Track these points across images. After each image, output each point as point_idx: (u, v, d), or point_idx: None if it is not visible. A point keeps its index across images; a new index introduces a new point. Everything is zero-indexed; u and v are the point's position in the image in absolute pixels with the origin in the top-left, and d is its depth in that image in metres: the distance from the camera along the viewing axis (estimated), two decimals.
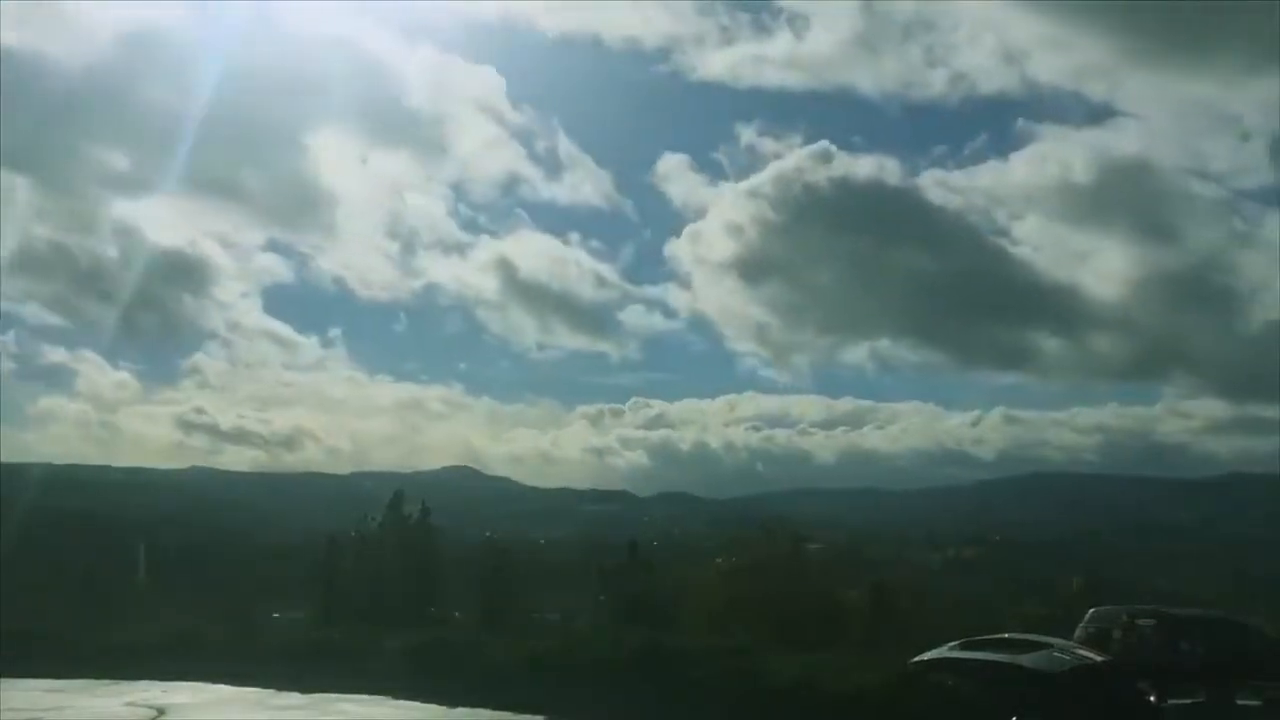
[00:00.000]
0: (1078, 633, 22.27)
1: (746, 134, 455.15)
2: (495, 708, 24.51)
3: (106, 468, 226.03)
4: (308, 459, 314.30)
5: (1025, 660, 14.25)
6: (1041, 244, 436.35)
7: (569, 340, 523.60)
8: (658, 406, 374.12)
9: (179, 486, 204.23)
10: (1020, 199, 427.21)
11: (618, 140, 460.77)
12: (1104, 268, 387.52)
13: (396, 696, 27.38)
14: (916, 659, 15.70)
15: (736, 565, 40.44)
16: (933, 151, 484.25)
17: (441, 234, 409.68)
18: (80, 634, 39.06)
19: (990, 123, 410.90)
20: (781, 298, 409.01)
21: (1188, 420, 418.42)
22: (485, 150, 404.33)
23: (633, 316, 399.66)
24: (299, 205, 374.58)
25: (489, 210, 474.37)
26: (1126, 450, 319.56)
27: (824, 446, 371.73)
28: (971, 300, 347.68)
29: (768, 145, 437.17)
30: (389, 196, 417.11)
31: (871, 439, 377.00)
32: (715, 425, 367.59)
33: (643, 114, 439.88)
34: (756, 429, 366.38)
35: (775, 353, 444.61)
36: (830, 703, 19.59)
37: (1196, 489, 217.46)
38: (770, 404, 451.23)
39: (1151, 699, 16.35)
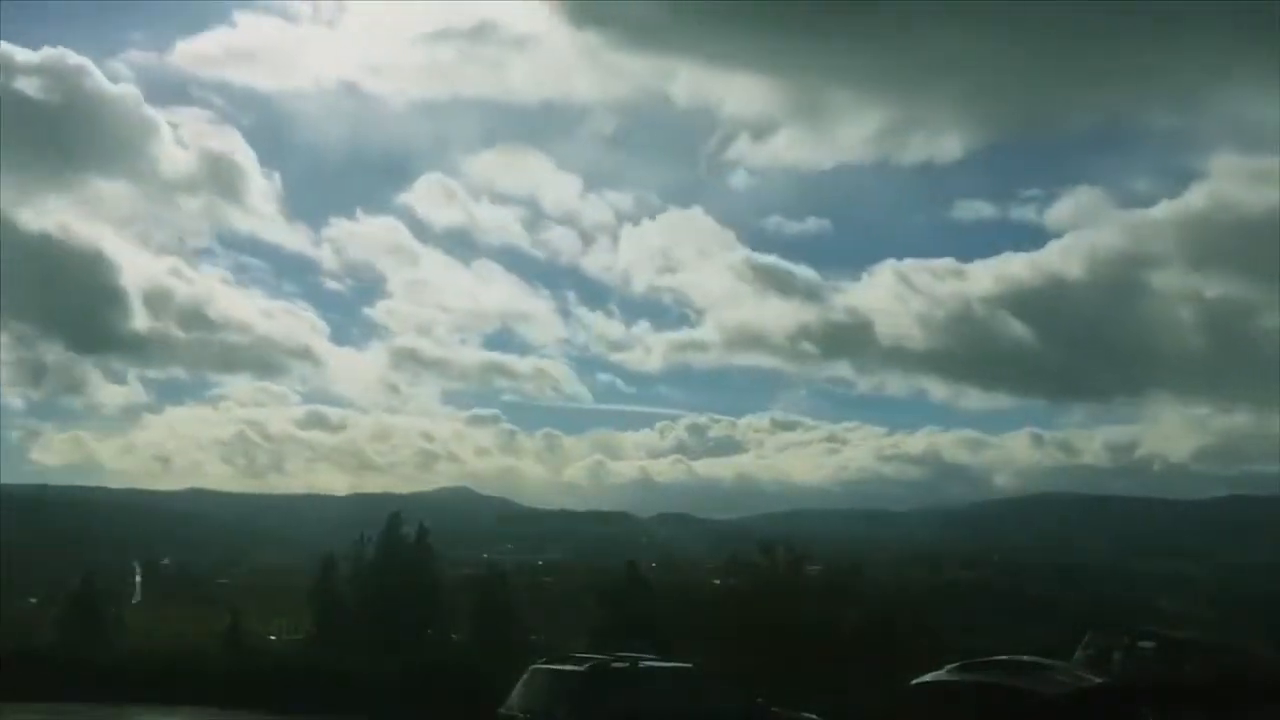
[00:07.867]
0: (1077, 655, 22.12)
1: None
2: None
3: (103, 489, 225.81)
4: (305, 480, 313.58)
5: (1024, 683, 14.19)
6: None
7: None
8: (657, 428, 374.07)
9: (175, 507, 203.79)
10: None
11: None
12: None
13: None
14: (915, 681, 15.63)
15: (735, 586, 40.23)
16: None
17: None
18: (77, 656, 38.87)
19: None
20: None
21: (1188, 443, 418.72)
22: None
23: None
24: None
25: None
26: (1126, 472, 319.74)
27: (822, 467, 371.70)
28: None
29: None
30: None
31: (870, 460, 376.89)
32: (713, 446, 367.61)
33: None
34: (754, 450, 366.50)
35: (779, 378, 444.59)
36: None
37: (1196, 511, 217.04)
38: (769, 425, 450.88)
39: None
